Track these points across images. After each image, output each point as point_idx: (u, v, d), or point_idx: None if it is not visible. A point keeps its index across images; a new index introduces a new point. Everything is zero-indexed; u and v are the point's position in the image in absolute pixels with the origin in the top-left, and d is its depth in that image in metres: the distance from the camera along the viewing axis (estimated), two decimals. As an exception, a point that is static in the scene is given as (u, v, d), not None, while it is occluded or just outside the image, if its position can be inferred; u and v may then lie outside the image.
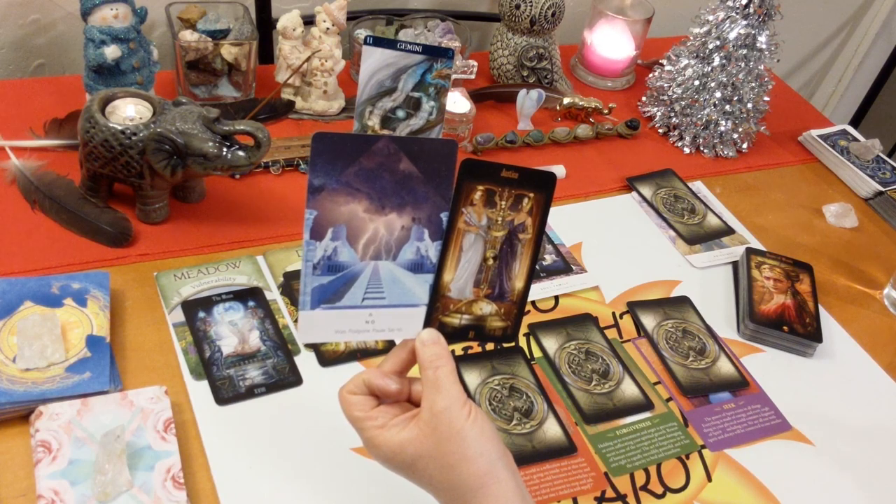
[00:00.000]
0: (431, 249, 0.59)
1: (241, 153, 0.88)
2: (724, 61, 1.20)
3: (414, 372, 0.60)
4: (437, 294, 0.60)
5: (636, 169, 1.19)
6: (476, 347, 0.88)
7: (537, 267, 0.99)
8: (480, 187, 0.58)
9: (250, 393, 0.79)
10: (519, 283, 0.62)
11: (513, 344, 0.89)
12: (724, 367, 0.92)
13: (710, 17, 1.20)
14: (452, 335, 0.61)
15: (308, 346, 0.84)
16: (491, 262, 0.60)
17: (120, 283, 0.86)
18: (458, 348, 0.87)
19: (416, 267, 0.59)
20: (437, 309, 0.60)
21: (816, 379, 0.94)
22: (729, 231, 1.12)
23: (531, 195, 0.60)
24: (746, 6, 1.16)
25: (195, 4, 1.11)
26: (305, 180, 0.56)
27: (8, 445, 0.71)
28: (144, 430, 0.71)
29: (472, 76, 1.21)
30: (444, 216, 0.58)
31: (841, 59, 2.02)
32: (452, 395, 0.56)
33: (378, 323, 0.59)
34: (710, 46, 1.20)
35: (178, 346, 0.82)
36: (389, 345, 0.85)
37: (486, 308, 0.61)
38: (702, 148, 1.26)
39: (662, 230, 1.10)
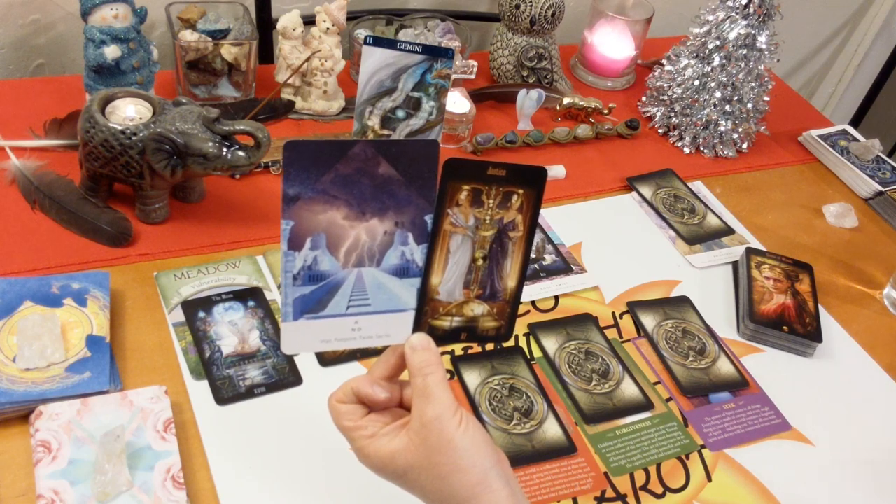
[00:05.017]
0: (417, 253, 0.57)
1: (241, 153, 0.88)
2: (724, 61, 1.20)
3: (405, 376, 0.59)
4: (426, 298, 0.58)
5: (636, 169, 1.19)
6: (476, 347, 0.88)
7: (537, 267, 0.99)
8: (466, 187, 0.57)
9: (250, 393, 0.79)
10: (511, 282, 0.61)
11: (511, 343, 0.89)
12: (724, 367, 0.92)
13: (710, 17, 1.20)
14: (443, 338, 0.60)
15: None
16: (480, 262, 0.59)
17: (120, 283, 0.86)
18: (458, 348, 0.87)
19: (402, 272, 0.58)
20: (425, 313, 0.59)
21: (816, 379, 0.94)
22: (729, 231, 1.12)
23: (520, 192, 0.58)
24: (746, 6, 1.16)
25: (195, 4, 1.11)
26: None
27: (8, 445, 0.71)
28: (144, 430, 0.71)
29: (472, 76, 1.21)
30: (428, 219, 0.57)
31: (841, 59, 2.02)
32: (443, 404, 0.55)
33: (365, 330, 0.58)
34: (710, 46, 1.20)
35: (178, 346, 0.82)
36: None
37: (477, 309, 0.61)
38: (702, 148, 1.26)
39: (662, 230, 1.10)
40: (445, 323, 0.60)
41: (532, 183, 0.59)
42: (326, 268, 0.56)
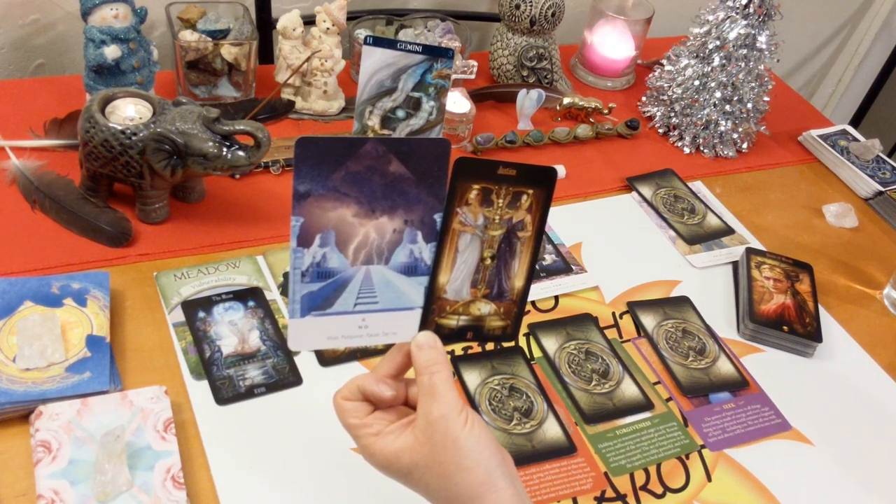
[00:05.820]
0: (425, 251, 0.57)
1: (241, 153, 0.88)
2: (724, 61, 1.20)
3: (411, 374, 0.59)
4: (433, 296, 0.58)
5: (636, 169, 1.19)
6: (476, 347, 0.88)
7: (537, 267, 0.99)
8: (476, 186, 0.57)
9: (250, 393, 0.79)
10: (519, 282, 0.61)
11: (513, 343, 0.89)
12: (724, 367, 0.92)
13: (710, 17, 1.20)
14: (450, 336, 0.60)
15: (306, 346, 0.84)
16: (489, 261, 0.59)
17: (120, 283, 0.86)
18: (458, 348, 0.87)
19: (410, 270, 0.58)
20: (432, 311, 0.59)
21: (816, 379, 0.94)
22: (729, 231, 1.12)
23: (530, 192, 0.58)
24: (746, 6, 1.16)
25: (195, 4, 1.11)
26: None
27: (8, 445, 0.71)
28: (144, 430, 0.71)
29: (472, 76, 1.21)
30: (437, 217, 0.57)
31: (841, 59, 2.02)
32: (448, 403, 0.55)
33: (372, 328, 0.58)
34: (710, 46, 1.20)
35: (178, 346, 0.82)
36: (390, 344, 0.84)
37: (484, 308, 0.61)
38: (702, 148, 1.26)
39: (662, 230, 1.10)
40: (452, 321, 0.60)
41: (542, 183, 0.59)
42: (335, 265, 0.56)
